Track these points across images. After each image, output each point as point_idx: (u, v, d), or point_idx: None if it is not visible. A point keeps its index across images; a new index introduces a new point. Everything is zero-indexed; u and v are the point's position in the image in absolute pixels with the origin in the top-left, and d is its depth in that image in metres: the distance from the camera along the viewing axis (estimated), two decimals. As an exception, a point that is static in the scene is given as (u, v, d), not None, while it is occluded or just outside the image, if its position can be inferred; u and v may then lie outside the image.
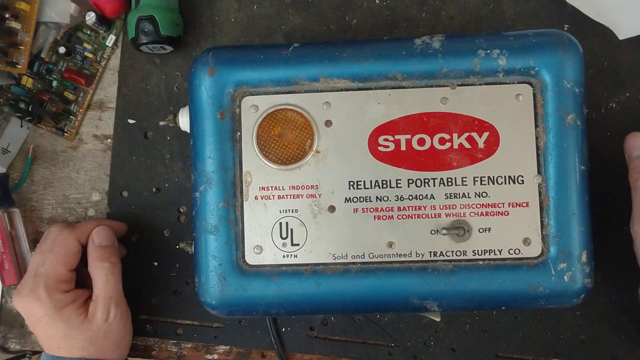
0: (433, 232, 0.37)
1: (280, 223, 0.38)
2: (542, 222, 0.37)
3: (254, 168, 0.38)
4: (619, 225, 0.44)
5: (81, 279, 0.43)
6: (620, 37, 0.45)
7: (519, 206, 0.37)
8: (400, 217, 0.38)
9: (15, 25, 0.43)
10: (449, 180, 0.37)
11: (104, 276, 0.42)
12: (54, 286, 0.41)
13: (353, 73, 0.38)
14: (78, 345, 0.41)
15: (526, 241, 0.37)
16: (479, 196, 0.37)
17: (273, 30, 0.47)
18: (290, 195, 0.38)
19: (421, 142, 0.38)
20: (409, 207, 0.38)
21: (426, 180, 0.38)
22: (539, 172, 0.37)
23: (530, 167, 0.37)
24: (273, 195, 0.38)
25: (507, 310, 0.46)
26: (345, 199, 0.38)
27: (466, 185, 0.37)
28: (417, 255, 0.37)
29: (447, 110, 0.37)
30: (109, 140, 0.48)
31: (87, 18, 0.45)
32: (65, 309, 0.41)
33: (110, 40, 0.47)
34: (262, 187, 0.38)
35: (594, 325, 0.45)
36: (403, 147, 0.38)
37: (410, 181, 0.38)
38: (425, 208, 0.38)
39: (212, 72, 0.38)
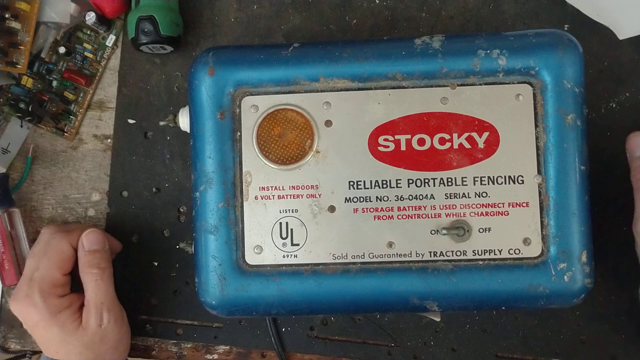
0: (433, 232, 0.37)
1: (280, 223, 0.38)
2: (542, 222, 0.37)
3: (254, 168, 0.38)
4: (619, 225, 0.44)
5: (77, 283, 0.43)
6: (620, 37, 0.45)
7: (519, 206, 0.37)
8: (400, 217, 0.38)
9: (15, 25, 0.43)
10: (449, 180, 0.37)
11: (93, 282, 0.41)
12: (48, 291, 0.40)
13: (353, 73, 0.38)
14: (75, 351, 0.41)
15: (526, 241, 0.37)
16: (479, 196, 0.37)
17: (273, 30, 0.47)
18: (290, 195, 0.38)
19: (421, 142, 0.38)
20: (409, 207, 0.38)
21: (426, 180, 0.38)
22: (539, 172, 0.37)
23: (530, 167, 0.37)
24: (273, 195, 0.38)
25: (507, 310, 0.46)
26: (345, 199, 0.38)
27: (466, 185, 0.37)
28: (417, 255, 0.37)
29: (447, 110, 0.37)
30: (109, 140, 0.48)
31: (87, 18, 0.45)
32: (60, 314, 0.40)
33: (110, 40, 0.47)
34: (262, 187, 0.38)
35: (594, 325, 0.45)
36: (403, 147, 0.38)
37: (410, 181, 0.38)
38: (425, 208, 0.38)
39: (212, 72, 0.38)
